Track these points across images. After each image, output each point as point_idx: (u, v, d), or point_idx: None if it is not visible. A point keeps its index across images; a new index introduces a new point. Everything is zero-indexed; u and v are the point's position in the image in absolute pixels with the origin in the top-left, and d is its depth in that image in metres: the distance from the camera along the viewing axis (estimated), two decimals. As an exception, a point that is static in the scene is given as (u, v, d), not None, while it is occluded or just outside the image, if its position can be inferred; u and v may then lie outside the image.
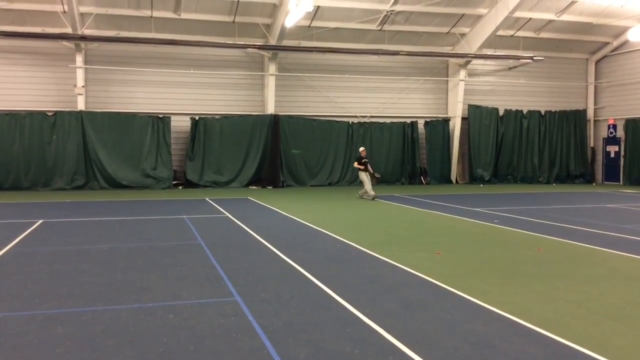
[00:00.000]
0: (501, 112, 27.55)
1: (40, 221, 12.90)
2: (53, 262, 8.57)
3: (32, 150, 21.87)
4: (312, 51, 24.32)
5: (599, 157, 28.98)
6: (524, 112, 27.85)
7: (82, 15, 21.54)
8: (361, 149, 19.97)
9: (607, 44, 27.87)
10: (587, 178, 28.39)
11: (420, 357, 4.77)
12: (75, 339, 5.16)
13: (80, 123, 22.22)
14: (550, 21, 25.38)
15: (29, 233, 11.23)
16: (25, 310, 6.06)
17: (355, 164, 19.62)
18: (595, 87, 29.09)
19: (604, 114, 28.78)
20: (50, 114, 22.18)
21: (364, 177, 19.11)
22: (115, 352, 4.87)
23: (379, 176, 20.34)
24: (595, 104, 29.17)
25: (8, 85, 22.24)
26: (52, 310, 6.07)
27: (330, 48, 24.36)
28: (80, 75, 22.50)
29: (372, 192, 18.71)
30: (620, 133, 27.53)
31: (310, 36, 24.08)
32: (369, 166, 19.30)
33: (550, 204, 17.94)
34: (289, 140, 24.61)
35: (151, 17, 22.30)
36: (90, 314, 5.91)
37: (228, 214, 14.36)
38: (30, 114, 21.98)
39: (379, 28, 24.58)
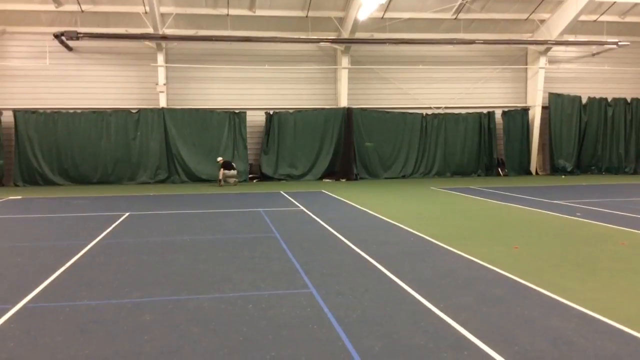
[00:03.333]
0: (584, 100, 26.44)
1: (127, 214, 13.59)
2: (139, 253, 9.04)
3: (117, 146, 23.02)
4: (385, 43, 24.22)
5: (693, 147, 27.25)
6: (609, 100, 26.60)
7: (162, 15, 22.39)
8: None
9: (700, 25, 26.14)
10: (679, 168, 26.81)
11: (496, 352, 4.74)
12: (161, 327, 5.47)
13: (162, 119, 23.16)
14: (636, 4, 24.07)
15: (116, 225, 11.87)
16: (115, 299, 6.46)
17: None
18: (688, 72, 27.37)
19: (698, 100, 27.03)
20: (134, 111, 23.24)
21: None
22: (198, 340, 5.13)
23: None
24: (688, 89, 27.45)
25: (94, 85, 23.47)
26: (139, 299, 6.44)
27: (403, 39, 24.17)
28: (161, 73, 23.43)
29: None
30: None
31: (383, 28, 23.97)
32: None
33: (637, 195, 17.10)
34: (362, 133, 24.64)
35: (227, 15, 22.88)
36: (175, 303, 6.23)
37: (302, 207, 14.60)
38: (116, 111, 23.12)
39: (454, 17, 24.14)
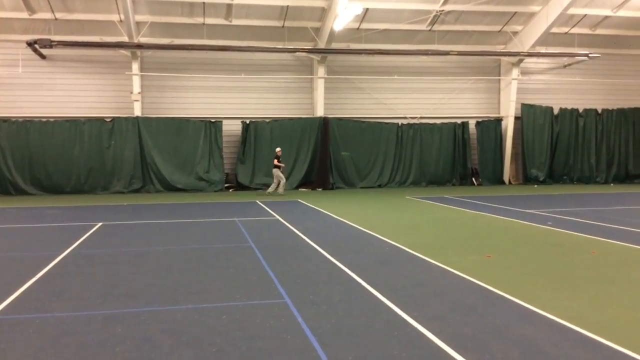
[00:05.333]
0: (556, 111, 26.92)
1: (100, 224, 13.43)
2: (112, 263, 8.93)
3: (91, 155, 22.74)
4: (361, 53, 24.40)
5: (661, 156, 27.89)
6: (580, 111, 27.13)
7: (137, 23, 22.26)
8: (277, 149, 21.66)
9: (667, 38, 26.85)
10: (648, 178, 27.40)
11: (468, 361, 4.79)
12: (133, 339, 5.41)
13: (137, 128, 22.96)
14: (606, 17, 24.65)
15: (89, 235, 11.72)
16: (86, 310, 6.37)
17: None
18: (656, 84, 28.05)
19: (665, 111, 27.71)
20: (108, 120, 23.01)
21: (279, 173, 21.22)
22: (171, 351, 5.09)
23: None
24: (656, 100, 28.11)
25: (68, 93, 23.20)
26: (111, 310, 6.36)
27: (379, 50, 24.38)
28: (136, 82, 23.26)
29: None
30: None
31: (359, 38, 24.15)
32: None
33: (608, 205, 17.43)
34: (338, 142, 24.73)
35: (203, 24, 22.84)
36: (148, 315, 6.17)
37: (278, 217, 14.58)
38: (90, 120, 22.86)
39: (429, 28, 24.42)
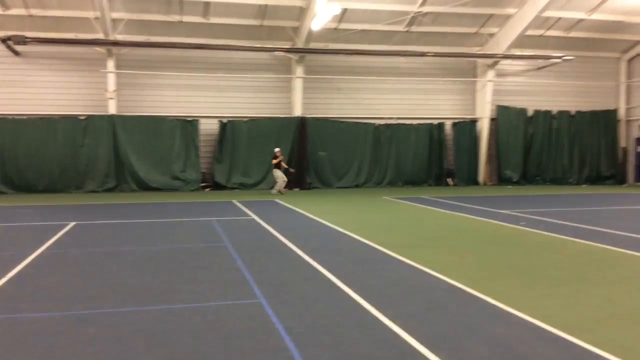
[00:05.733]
0: (530, 113, 27.27)
1: (73, 223, 13.25)
2: (85, 263, 8.82)
3: (65, 153, 22.40)
4: (339, 53, 24.44)
5: (631, 158, 28.43)
6: (554, 113, 27.52)
7: (113, 21, 22.00)
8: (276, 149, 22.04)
9: (639, 42, 27.34)
10: (619, 179, 27.92)
11: (440, 359, 4.83)
12: (106, 340, 5.35)
13: (112, 127, 22.68)
14: (580, 20, 25.03)
15: (61, 235, 11.55)
16: (58, 311, 6.28)
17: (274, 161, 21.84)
18: (627, 87, 28.58)
19: (636, 114, 28.25)
20: (82, 117, 22.70)
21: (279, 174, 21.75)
22: (144, 352, 5.04)
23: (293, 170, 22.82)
24: (627, 103, 28.65)
25: (42, 90, 22.82)
26: (84, 311, 6.28)
27: (357, 50, 24.44)
28: (111, 79, 22.98)
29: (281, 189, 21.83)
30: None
31: (338, 38, 24.19)
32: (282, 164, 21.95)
33: (580, 205, 17.72)
34: (315, 142, 24.74)
35: (181, 21, 22.66)
36: (121, 315, 6.11)
37: (255, 216, 14.54)
38: (64, 118, 22.52)
39: (406, 29, 24.55)
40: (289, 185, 24.26)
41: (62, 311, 6.27)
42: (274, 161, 21.73)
